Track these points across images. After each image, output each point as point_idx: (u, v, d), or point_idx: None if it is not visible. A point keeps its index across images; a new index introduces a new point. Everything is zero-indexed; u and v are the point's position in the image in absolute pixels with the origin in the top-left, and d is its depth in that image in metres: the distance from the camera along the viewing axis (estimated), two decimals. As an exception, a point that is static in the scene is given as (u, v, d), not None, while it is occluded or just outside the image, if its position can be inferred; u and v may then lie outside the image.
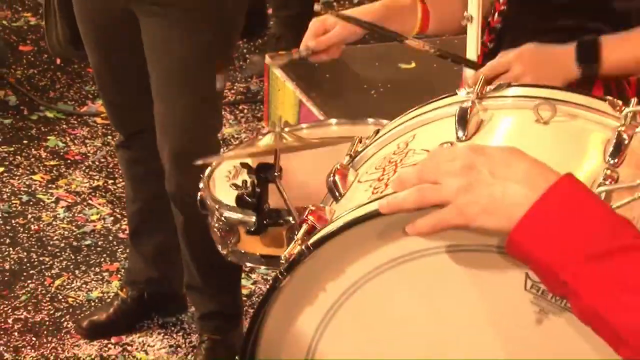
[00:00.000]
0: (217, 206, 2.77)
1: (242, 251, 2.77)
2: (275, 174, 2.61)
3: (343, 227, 1.87)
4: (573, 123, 1.99)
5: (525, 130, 2.00)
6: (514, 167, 1.76)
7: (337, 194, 2.03)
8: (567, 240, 1.69)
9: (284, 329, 2.01)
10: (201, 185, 2.87)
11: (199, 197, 2.88)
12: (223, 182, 2.90)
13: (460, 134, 1.96)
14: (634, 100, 1.99)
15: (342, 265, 1.92)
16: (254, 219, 2.68)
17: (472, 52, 2.79)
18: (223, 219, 2.76)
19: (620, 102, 2.00)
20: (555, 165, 1.79)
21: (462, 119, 1.96)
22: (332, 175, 2.05)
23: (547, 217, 1.71)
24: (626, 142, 1.90)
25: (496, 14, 2.79)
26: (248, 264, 2.89)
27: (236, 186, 2.70)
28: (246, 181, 2.67)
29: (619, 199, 1.80)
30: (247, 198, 2.66)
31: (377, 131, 2.18)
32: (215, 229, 2.81)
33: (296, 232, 2.49)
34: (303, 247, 1.90)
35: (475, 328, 1.92)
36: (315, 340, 2.00)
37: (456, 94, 2.11)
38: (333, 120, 3.19)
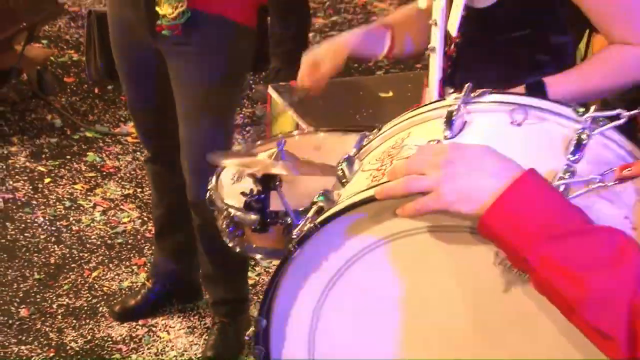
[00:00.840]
0: (226, 207, 2.76)
1: (246, 243, 2.77)
2: (277, 183, 2.61)
3: (345, 209, 1.86)
4: (541, 125, 1.97)
5: (501, 130, 1.97)
6: (486, 162, 1.78)
7: (343, 180, 2.02)
8: (528, 225, 1.71)
9: (294, 293, 2.00)
10: (210, 186, 2.86)
11: (207, 196, 2.87)
12: (229, 184, 2.90)
13: (447, 133, 1.94)
14: (593, 107, 1.97)
15: (344, 240, 1.91)
16: (258, 219, 2.66)
17: (434, 76, 2.80)
18: (232, 217, 2.75)
19: (582, 109, 1.98)
20: (524, 160, 1.80)
21: (449, 120, 1.95)
22: (340, 164, 2.04)
23: (512, 204, 1.72)
24: (585, 142, 1.89)
25: (452, 45, 2.77)
26: (251, 254, 2.86)
27: (244, 194, 2.68)
28: (252, 189, 2.66)
29: (576, 190, 1.80)
30: (254, 204, 2.65)
31: (380, 128, 2.16)
32: (223, 225, 2.79)
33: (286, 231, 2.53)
34: (312, 224, 1.89)
35: (452, 295, 1.90)
36: (320, 302, 1.99)
37: (445, 98, 2.10)
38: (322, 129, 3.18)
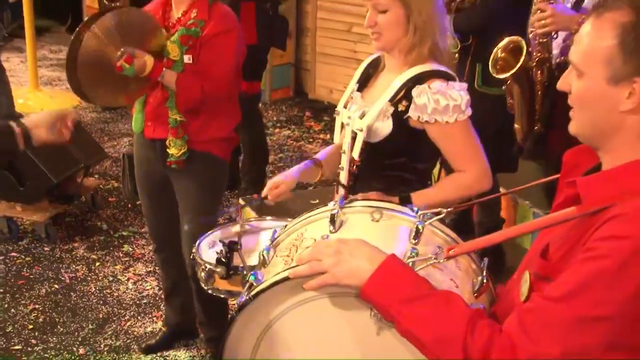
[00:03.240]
0: (203, 263, 2.70)
1: (216, 287, 2.70)
2: (238, 246, 2.58)
3: (269, 286, 1.80)
4: (392, 221, 1.95)
5: (366, 226, 1.94)
6: (362, 250, 1.74)
7: (265, 263, 1.94)
8: (392, 291, 1.68)
9: (239, 341, 1.90)
10: (193, 250, 2.79)
11: (192, 257, 2.81)
12: (206, 249, 2.83)
13: (331, 228, 1.92)
14: (423, 206, 1.94)
15: (270, 307, 1.84)
16: (224, 271, 2.62)
17: (343, 185, 2.83)
18: (207, 269, 2.69)
19: (416, 208, 1.96)
20: (384, 245, 1.78)
21: (332, 220, 1.92)
22: (262, 252, 1.97)
23: (381, 279, 1.69)
24: (420, 230, 1.86)
25: (355, 166, 2.78)
26: (220, 295, 2.76)
27: (217, 253, 2.65)
28: (222, 250, 2.62)
29: (420, 265, 1.77)
30: (222, 259, 2.62)
31: (286, 226, 2.10)
32: (201, 274, 2.72)
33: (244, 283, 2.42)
34: (247, 297, 1.82)
35: (345, 338, 1.83)
36: (256, 346, 1.89)
37: (327, 205, 2.06)
38: (268, 217, 3.17)
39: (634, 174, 1.62)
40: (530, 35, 3.46)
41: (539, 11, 3.38)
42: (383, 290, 1.68)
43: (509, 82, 3.52)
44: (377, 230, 1.90)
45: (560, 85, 1.72)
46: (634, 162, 1.64)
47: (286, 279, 1.77)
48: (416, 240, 1.83)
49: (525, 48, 3.37)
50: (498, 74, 3.45)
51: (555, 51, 3.49)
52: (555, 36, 3.43)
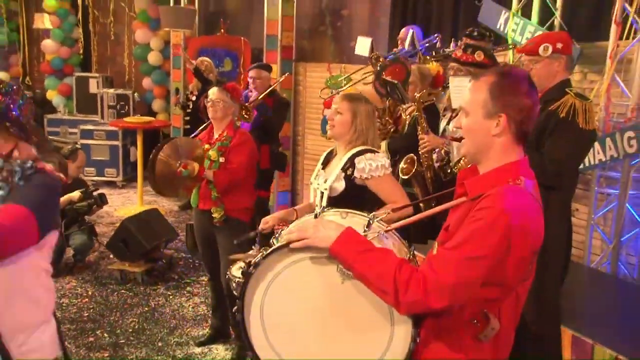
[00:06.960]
0: (234, 277, 2.40)
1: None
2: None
3: (274, 250, 1.62)
4: (354, 218, 1.77)
5: (338, 220, 1.74)
6: (331, 225, 1.59)
7: (273, 243, 1.74)
8: (349, 248, 1.51)
9: (254, 288, 1.67)
10: (228, 272, 2.50)
11: (227, 276, 2.52)
12: (237, 270, 2.47)
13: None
14: (373, 213, 1.78)
15: (274, 265, 1.63)
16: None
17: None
18: (236, 281, 2.38)
19: (370, 214, 1.79)
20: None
21: (315, 216, 1.75)
22: (272, 239, 1.78)
23: (342, 241, 1.53)
24: (371, 223, 1.70)
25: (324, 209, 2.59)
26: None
27: (240, 267, 2.34)
28: (244, 266, 2.28)
29: (370, 236, 1.62)
30: (244, 272, 2.23)
31: (287, 226, 1.90)
32: (233, 285, 2.41)
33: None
34: (261, 257, 1.63)
35: (320, 287, 1.62)
36: (264, 296, 1.66)
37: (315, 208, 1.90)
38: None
39: (496, 175, 1.57)
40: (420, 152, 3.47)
41: (423, 138, 3.45)
42: (343, 247, 1.53)
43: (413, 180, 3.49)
44: (345, 221, 1.74)
45: (455, 123, 1.65)
46: (497, 168, 1.59)
47: (287, 245, 1.60)
48: (368, 229, 1.69)
49: (416, 160, 3.44)
50: (403, 176, 3.43)
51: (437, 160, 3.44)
52: (435, 151, 3.39)
